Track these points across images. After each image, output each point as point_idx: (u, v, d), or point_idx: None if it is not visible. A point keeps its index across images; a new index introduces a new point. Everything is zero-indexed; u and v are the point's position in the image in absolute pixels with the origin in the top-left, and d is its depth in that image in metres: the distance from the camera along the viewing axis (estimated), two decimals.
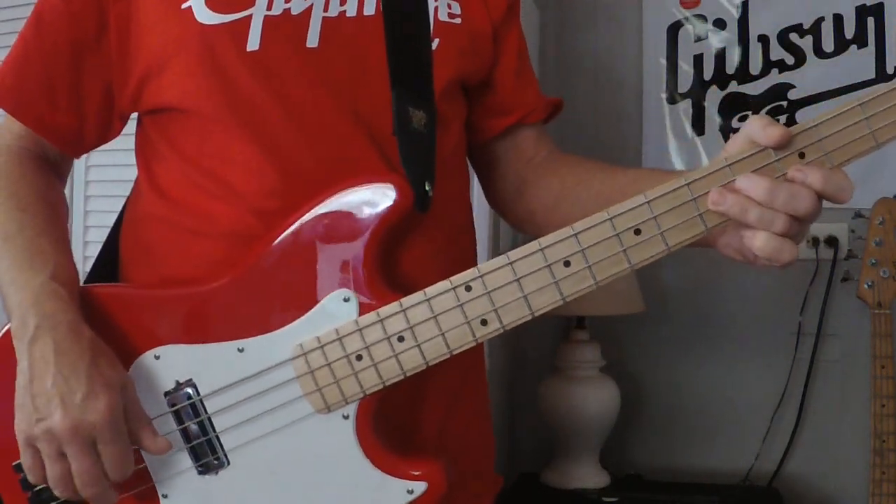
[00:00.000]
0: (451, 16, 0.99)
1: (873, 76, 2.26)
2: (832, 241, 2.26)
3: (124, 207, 1.07)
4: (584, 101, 2.46)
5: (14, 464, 0.91)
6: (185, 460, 0.91)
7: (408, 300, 0.86)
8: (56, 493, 0.86)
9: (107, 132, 1.03)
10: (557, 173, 1.07)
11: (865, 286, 2.04)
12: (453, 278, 0.85)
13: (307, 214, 0.89)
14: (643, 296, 2.20)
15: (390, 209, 0.88)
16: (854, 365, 2.25)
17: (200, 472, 0.91)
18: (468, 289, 0.85)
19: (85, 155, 2.17)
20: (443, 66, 0.97)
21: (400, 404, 0.92)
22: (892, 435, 1.96)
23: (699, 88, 2.39)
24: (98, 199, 2.14)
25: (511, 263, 0.85)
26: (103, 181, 2.12)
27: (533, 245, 0.85)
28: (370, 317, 0.87)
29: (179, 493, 0.91)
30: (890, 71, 2.25)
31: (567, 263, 0.84)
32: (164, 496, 0.91)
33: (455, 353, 0.86)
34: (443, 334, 0.86)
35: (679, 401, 2.39)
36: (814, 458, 2.30)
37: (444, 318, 0.85)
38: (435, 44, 0.97)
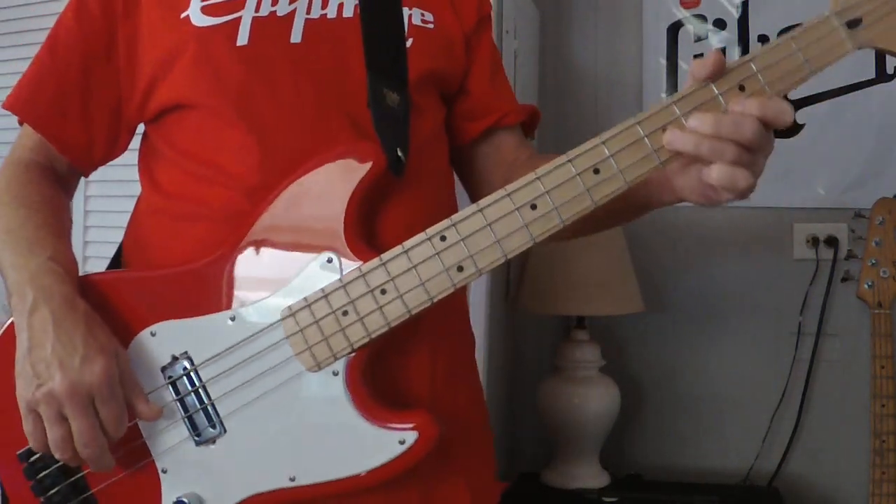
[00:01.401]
0: (424, 22, 1.06)
1: (873, 76, 2.26)
2: (832, 241, 2.27)
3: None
4: (584, 101, 2.47)
5: (18, 452, 0.95)
6: (182, 432, 0.94)
7: (387, 254, 0.90)
8: (57, 455, 0.90)
9: (114, 146, 1.09)
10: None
11: (865, 286, 2.04)
12: (429, 230, 0.90)
13: (289, 186, 0.94)
14: (643, 296, 2.20)
15: (366, 173, 0.92)
16: (854, 365, 2.25)
17: (198, 443, 0.94)
18: (443, 238, 0.89)
19: None
20: (416, 61, 1.03)
21: (389, 360, 0.96)
22: (892, 435, 1.96)
23: None
24: (98, 200, 2.15)
25: (481, 210, 0.89)
26: (103, 181, 2.12)
27: (500, 192, 0.89)
28: (353, 273, 0.90)
29: (178, 466, 0.94)
30: (890, 71, 2.25)
31: (534, 206, 0.88)
32: (164, 470, 0.94)
33: (436, 300, 0.90)
34: (423, 283, 0.89)
35: (679, 400, 2.40)
36: (814, 458, 2.30)
37: (422, 267, 0.89)
38: (409, 42, 1.04)
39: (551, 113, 2.45)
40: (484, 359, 1.92)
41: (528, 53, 2.29)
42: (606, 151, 0.87)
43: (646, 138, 0.87)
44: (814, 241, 2.29)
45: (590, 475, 2.17)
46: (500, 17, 1.98)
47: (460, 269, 0.89)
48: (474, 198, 1.17)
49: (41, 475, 0.95)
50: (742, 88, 0.87)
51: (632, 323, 2.37)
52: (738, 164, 0.85)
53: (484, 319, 1.91)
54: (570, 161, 0.88)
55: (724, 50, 2.37)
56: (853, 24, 0.88)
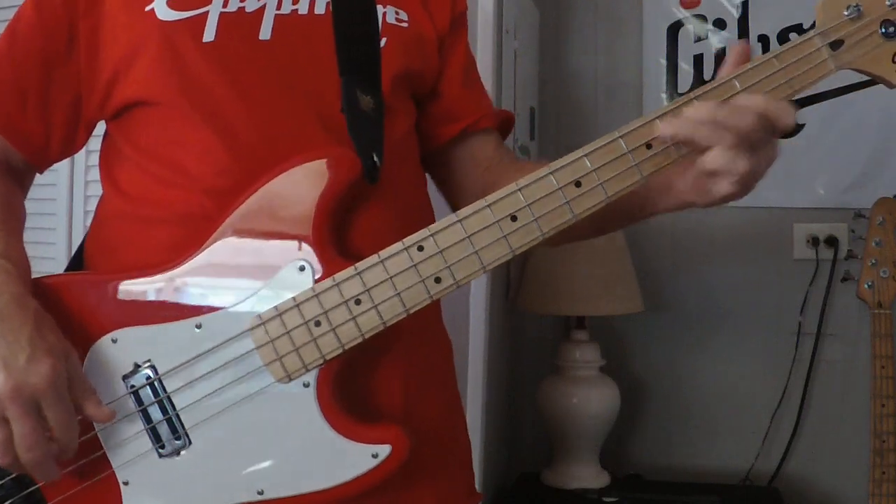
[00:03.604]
0: (398, 20, 1.04)
1: None
2: (832, 241, 2.27)
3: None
4: (584, 101, 2.47)
5: None
6: (145, 443, 0.90)
7: (362, 264, 0.88)
8: None
9: (72, 144, 1.05)
10: (522, 171, 1.08)
11: (865, 286, 2.04)
12: (405, 239, 0.87)
13: (258, 190, 0.91)
14: (642, 296, 2.20)
15: (340, 178, 0.90)
16: (854, 365, 2.25)
17: (161, 455, 0.90)
18: (420, 248, 0.87)
19: (85, 156, 2.16)
20: (390, 62, 1.01)
21: (361, 372, 0.93)
22: (892, 435, 1.96)
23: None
24: (98, 200, 2.14)
25: (460, 221, 0.87)
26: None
27: (480, 202, 0.88)
28: (326, 282, 0.88)
29: (140, 479, 0.90)
30: None
31: (514, 218, 0.87)
32: (125, 483, 0.90)
33: (411, 311, 0.88)
34: (398, 294, 0.87)
35: (679, 401, 2.40)
36: (814, 458, 2.30)
37: (398, 278, 0.87)
38: (382, 42, 1.01)
39: (551, 113, 2.45)
40: (484, 359, 1.92)
41: (528, 53, 2.29)
42: (588, 164, 0.87)
43: (629, 153, 0.87)
44: (814, 241, 2.29)
45: (590, 475, 2.17)
46: (500, 17, 1.98)
47: (437, 280, 0.87)
48: (451, 201, 1.16)
49: None
50: None
51: (632, 323, 2.37)
52: (738, 148, 0.83)
53: (484, 319, 1.91)
54: (551, 173, 0.87)
55: (724, 50, 2.37)
56: (836, 46, 0.88)
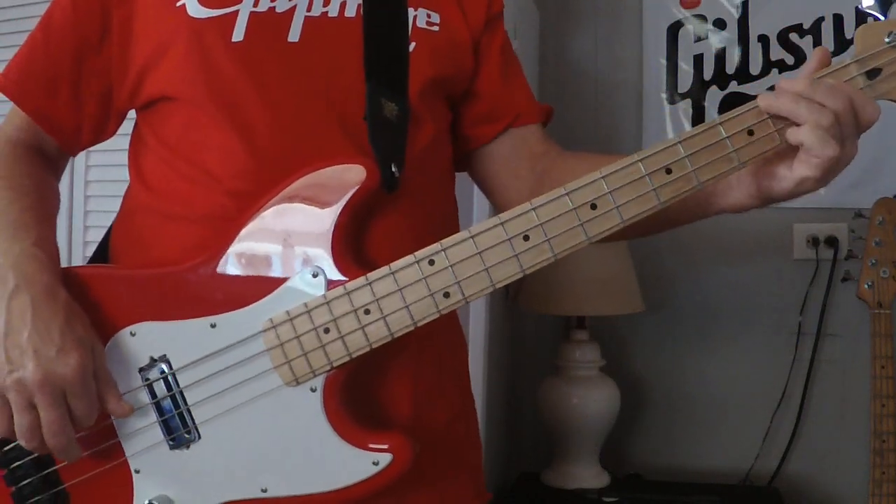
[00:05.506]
0: (429, 24, 1.03)
1: None
2: (832, 241, 2.27)
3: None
4: (584, 101, 2.47)
5: None
6: (158, 434, 0.93)
7: (374, 274, 0.88)
8: (23, 443, 0.89)
9: (102, 132, 1.07)
10: (582, 159, 1.07)
11: (865, 286, 2.04)
12: (417, 253, 0.88)
13: (278, 195, 0.92)
14: (643, 296, 2.20)
15: (358, 188, 0.91)
16: (854, 365, 2.25)
17: (172, 447, 0.93)
18: (431, 262, 0.88)
19: (85, 155, 2.17)
20: (419, 68, 1.00)
21: (370, 379, 0.94)
22: (892, 435, 1.96)
23: (699, 88, 2.39)
24: (98, 199, 2.14)
25: (472, 237, 0.87)
26: (103, 181, 2.12)
27: (493, 220, 0.87)
28: (337, 290, 0.89)
29: (151, 468, 0.94)
30: None
31: (526, 237, 0.87)
32: (137, 471, 0.94)
33: (419, 324, 0.88)
34: (407, 307, 0.88)
35: (679, 400, 2.40)
36: (814, 458, 2.30)
37: (408, 291, 0.88)
38: (412, 47, 1.01)
39: None
40: (484, 359, 1.92)
41: (528, 53, 2.29)
42: (605, 187, 0.86)
43: (647, 177, 0.86)
44: (814, 241, 2.29)
45: (590, 475, 2.17)
46: None
47: (447, 295, 0.88)
48: (499, 195, 1.14)
49: (14, 465, 0.94)
50: (751, 133, 0.85)
51: (632, 323, 2.37)
52: (831, 131, 0.82)
53: (484, 319, 1.91)
54: (567, 194, 0.86)
55: (723, 50, 2.37)
56: (872, 74, 0.85)
